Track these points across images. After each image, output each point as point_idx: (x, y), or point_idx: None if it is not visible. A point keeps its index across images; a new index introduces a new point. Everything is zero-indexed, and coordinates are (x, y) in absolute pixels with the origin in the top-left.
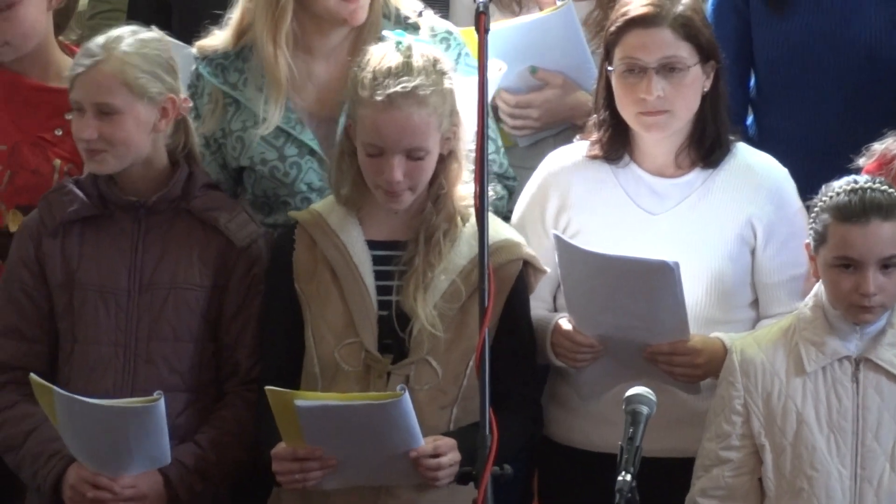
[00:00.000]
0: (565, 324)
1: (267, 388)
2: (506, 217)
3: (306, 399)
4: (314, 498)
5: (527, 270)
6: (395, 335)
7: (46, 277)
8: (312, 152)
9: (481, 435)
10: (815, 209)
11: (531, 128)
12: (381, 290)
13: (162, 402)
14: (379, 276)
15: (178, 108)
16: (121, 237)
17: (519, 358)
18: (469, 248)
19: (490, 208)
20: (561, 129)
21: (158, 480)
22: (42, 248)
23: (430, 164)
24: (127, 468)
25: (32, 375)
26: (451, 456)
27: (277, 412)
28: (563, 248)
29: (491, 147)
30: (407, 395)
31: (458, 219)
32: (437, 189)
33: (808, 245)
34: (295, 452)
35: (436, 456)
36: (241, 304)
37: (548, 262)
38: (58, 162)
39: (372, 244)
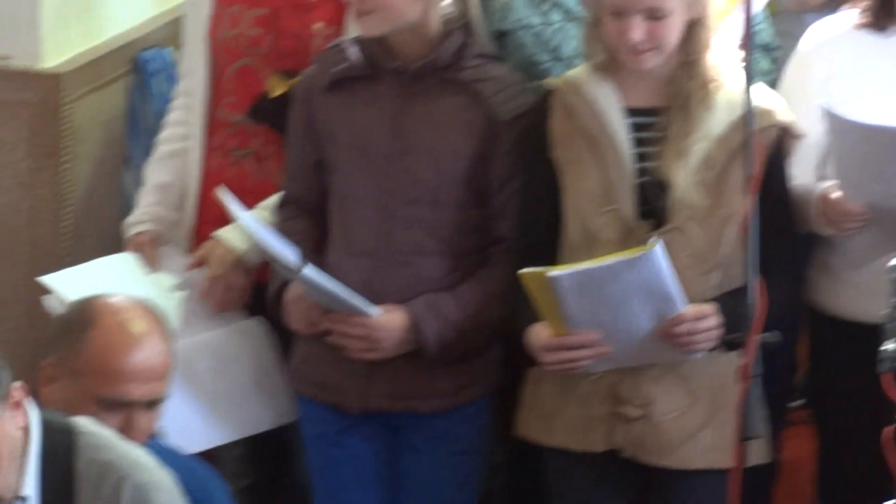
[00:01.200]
0: (833, 192)
1: (520, 271)
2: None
3: (558, 269)
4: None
5: (784, 136)
6: (652, 203)
7: (317, 131)
8: (578, 18)
9: (747, 301)
10: None
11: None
12: (638, 158)
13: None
14: (635, 143)
15: None
16: (385, 100)
17: (778, 224)
18: (725, 115)
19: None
20: None
21: (398, 327)
22: (313, 102)
23: (673, 24)
24: None
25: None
26: (713, 320)
27: (535, 293)
28: (832, 118)
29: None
30: (661, 245)
31: (712, 86)
32: (687, 56)
33: None
34: (562, 342)
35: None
36: (508, 175)
37: (812, 131)
38: (318, 25)
39: (627, 111)
